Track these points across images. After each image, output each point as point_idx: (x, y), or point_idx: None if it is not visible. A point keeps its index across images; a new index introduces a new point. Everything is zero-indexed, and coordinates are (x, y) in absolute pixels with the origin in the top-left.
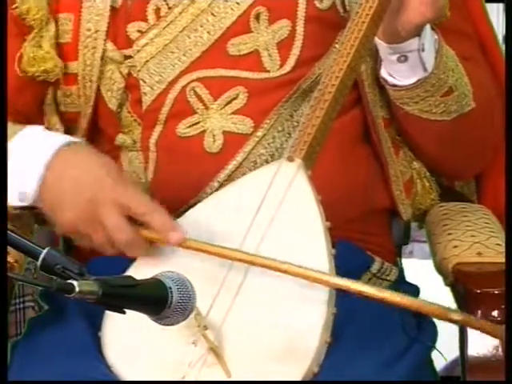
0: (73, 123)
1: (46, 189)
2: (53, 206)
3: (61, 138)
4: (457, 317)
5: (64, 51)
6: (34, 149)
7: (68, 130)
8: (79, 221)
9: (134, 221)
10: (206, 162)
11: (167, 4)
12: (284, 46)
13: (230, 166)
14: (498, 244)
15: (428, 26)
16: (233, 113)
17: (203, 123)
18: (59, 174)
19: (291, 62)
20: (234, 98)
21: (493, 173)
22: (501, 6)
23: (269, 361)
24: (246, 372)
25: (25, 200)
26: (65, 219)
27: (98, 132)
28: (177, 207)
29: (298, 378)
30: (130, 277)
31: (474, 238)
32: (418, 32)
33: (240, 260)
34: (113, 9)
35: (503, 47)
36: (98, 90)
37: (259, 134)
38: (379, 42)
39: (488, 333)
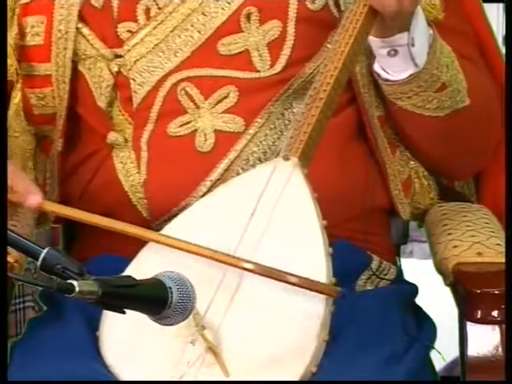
0: (48, 124)
1: None
2: None
3: None
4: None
5: (34, 53)
6: None
7: (42, 132)
8: None
9: None
10: (198, 162)
11: (157, 4)
12: (275, 46)
13: (222, 165)
14: (498, 244)
15: (421, 21)
16: (224, 112)
17: (194, 122)
18: None
19: (282, 62)
20: (225, 97)
21: (492, 173)
22: (501, 5)
23: (267, 360)
24: (244, 371)
25: None
26: None
27: (89, 131)
28: (170, 207)
29: (296, 378)
30: (129, 277)
31: (474, 237)
32: (401, 17)
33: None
34: (93, 8)
35: (503, 47)
36: (88, 88)
37: (251, 131)
38: (370, 38)
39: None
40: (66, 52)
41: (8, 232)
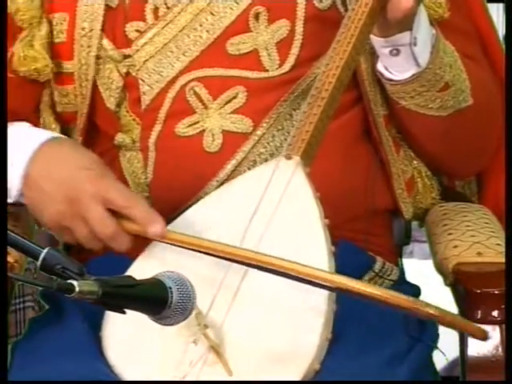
0: (70, 123)
1: (28, 185)
2: (35, 202)
3: (43, 134)
4: (432, 311)
5: (59, 51)
6: (18, 146)
7: (65, 131)
8: (62, 216)
9: (117, 214)
10: (206, 162)
11: (166, 4)
12: (283, 45)
13: (229, 166)
14: (498, 244)
15: (423, 21)
16: (232, 112)
17: (202, 123)
18: (41, 170)
19: (290, 61)
20: (234, 98)
21: (493, 173)
22: (501, 5)
23: (270, 359)
24: (246, 370)
25: (10, 197)
26: (47, 215)
27: (97, 132)
28: (176, 207)
29: (300, 376)
30: (129, 277)
31: (474, 237)
32: (407, 20)
33: (224, 254)
34: (109, 8)
35: (503, 47)
36: (96, 89)
37: (259, 132)
38: (372, 36)
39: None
40: (90, 50)
41: (8, 232)
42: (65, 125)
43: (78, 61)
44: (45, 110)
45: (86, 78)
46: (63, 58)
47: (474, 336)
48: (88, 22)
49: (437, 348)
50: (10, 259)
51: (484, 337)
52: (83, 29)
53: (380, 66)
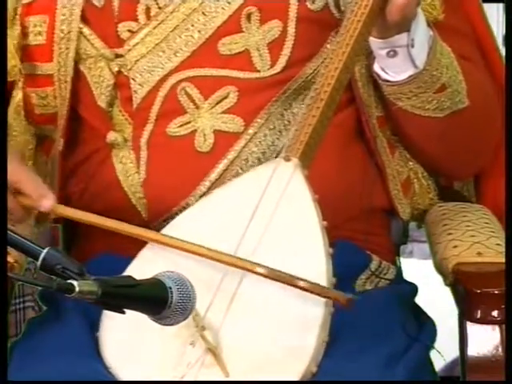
0: (49, 124)
1: None
2: None
3: None
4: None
5: (36, 53)
6: None
7: (43, 131)
8: None
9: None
10: (198, 162)
11: (157, 4)
12: (275, 46)
13: (222, 165)
14: (498, 244)
15: (421, 22)
16: (223, 112)
17: (194, 122)
18: None
19: (282, 62)
20: (225, 98)
21: (492, 173)
22: (501, 5)
23: (267, 361)
24: (244, 372)
25: None
26: None
27: (90, 131)
28: (169, 207)
29: (297, 378)
30: (129, 277)
31: (474, 238)
32: (405, 22)
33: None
34: (95, 8)
35: (503, 47)
36: (88, 87)
37: (250, 131)
38: (370, 38)
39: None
40: (69, 52)
41: (8, 232)
42: (43, 126)
43: (58, 63)
44: (15, 116)
45: (64, 79)
46: (41, 60)
47: (338, 301)
48: (66, 24)
49: (434, 348)
50: (9, 259)
51: (346, 304)
52: (62, 31)
53: (377, 67)
